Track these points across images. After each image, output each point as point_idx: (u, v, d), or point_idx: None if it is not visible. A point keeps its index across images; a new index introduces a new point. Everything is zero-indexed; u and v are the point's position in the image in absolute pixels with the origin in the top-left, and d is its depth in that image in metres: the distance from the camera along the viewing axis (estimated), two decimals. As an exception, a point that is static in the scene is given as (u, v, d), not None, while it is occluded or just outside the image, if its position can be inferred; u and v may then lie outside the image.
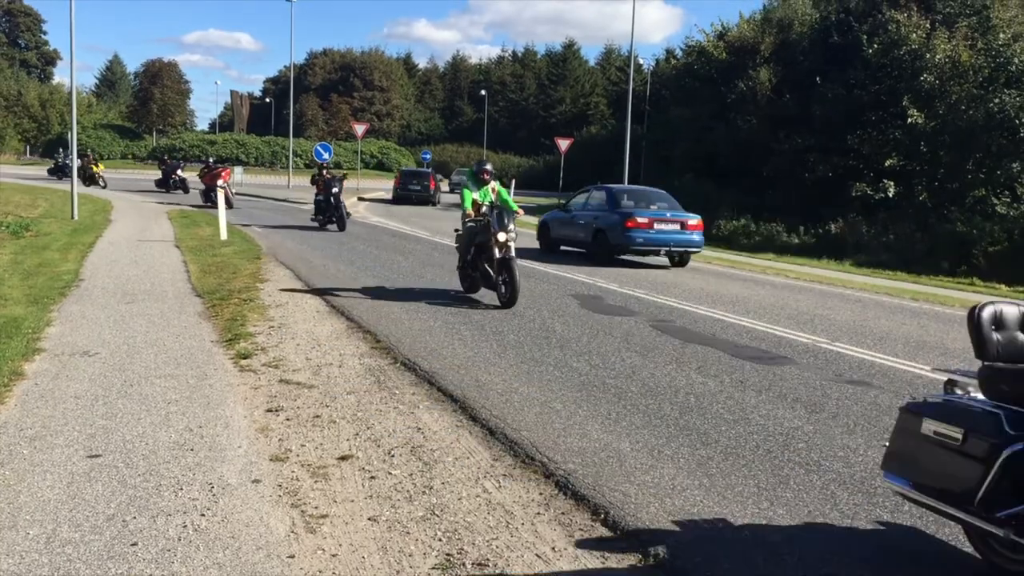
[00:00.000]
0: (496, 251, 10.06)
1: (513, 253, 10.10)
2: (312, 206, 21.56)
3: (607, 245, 16.27)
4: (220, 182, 22.50)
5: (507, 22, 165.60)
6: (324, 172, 21.84)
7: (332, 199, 20.09)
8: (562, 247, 18.41)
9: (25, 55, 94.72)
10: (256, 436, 5.00)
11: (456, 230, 11.43)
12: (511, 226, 10.19)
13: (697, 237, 16.69)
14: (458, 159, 78.17)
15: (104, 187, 34.73)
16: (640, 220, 15.92)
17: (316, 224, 20.67)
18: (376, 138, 78.99)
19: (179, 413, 5.35)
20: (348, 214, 20.85)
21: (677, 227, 16.31)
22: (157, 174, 38.65)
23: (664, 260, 16.90)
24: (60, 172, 39.69)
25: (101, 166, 38.20)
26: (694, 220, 16.63)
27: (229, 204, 27.18)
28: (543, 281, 12.92)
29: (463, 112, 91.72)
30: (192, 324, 8.29)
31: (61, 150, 45.90)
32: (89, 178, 35.44)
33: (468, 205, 10.68)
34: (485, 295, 10.64)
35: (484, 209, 10.53)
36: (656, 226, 15.98)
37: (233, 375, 6.38)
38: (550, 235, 18.72)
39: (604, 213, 16.78)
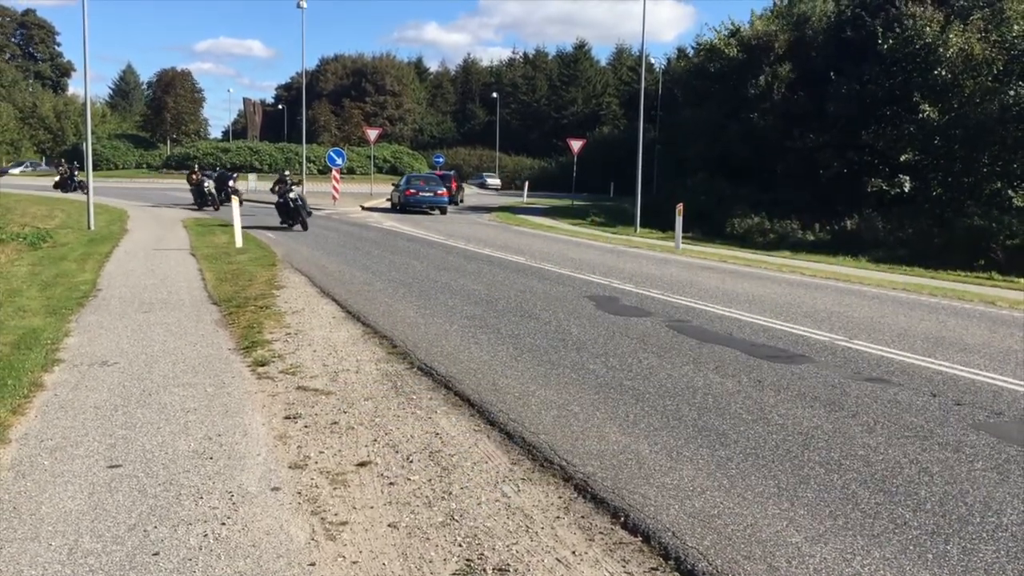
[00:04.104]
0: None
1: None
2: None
3: (400, 204, 33.48)
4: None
5: (517, 23, 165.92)
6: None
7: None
8: (396, 209, 33.75)
9: (40, 67, 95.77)
10: (275, 444, 5.01)
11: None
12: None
13: (443, 199, 33.12)
14: (471, 162, 78.35)
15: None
16: (411, 191, 33.12)
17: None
18: (389, 142, 79.12)
19: (198, 422, 5.38)
20: None
21: (431, 194, 33.09)
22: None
23: (437, 213, 32.76)
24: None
25: None
26: (441, 190, 33.34)
27: None
28: (558, 283, 12.90)
29: (475, 115, 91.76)
30: (209, 332, 8.33)
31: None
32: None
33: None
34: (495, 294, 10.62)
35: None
36: (420, 194, 33.04)
37: (251, 383, 6.40)
38: (393, 202, 35.45)
39: (403, 188, 33.99)
